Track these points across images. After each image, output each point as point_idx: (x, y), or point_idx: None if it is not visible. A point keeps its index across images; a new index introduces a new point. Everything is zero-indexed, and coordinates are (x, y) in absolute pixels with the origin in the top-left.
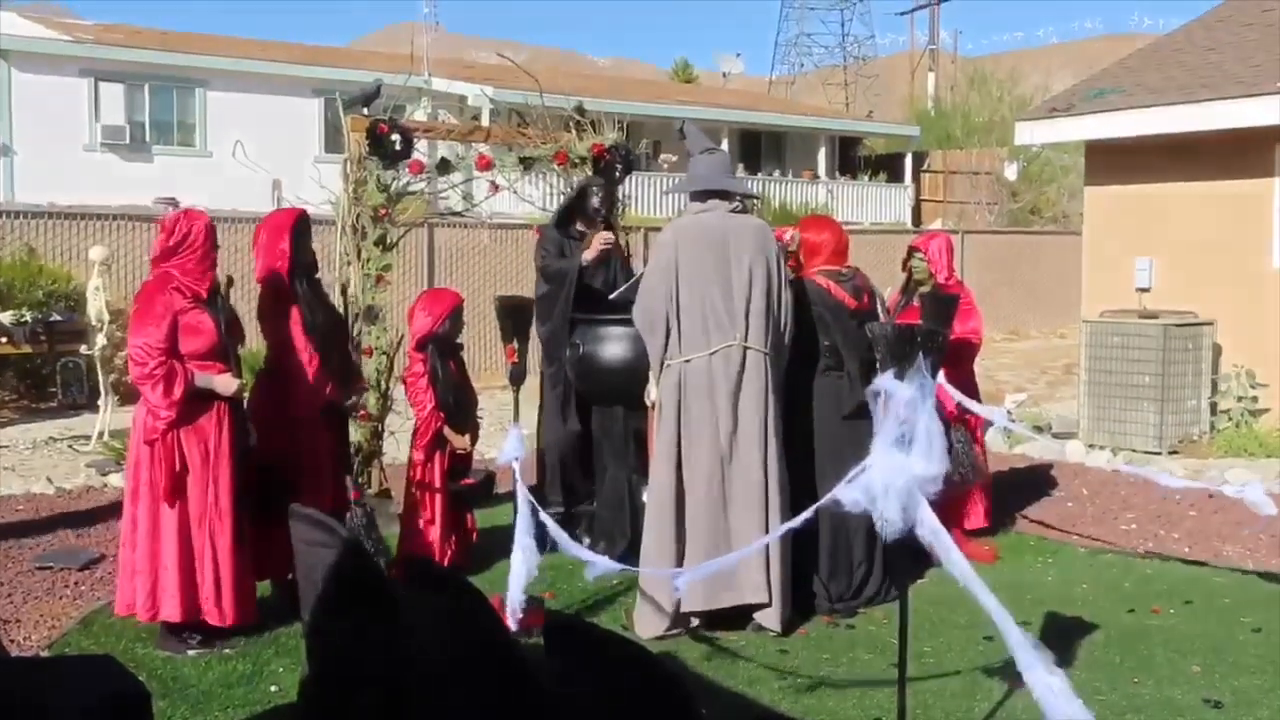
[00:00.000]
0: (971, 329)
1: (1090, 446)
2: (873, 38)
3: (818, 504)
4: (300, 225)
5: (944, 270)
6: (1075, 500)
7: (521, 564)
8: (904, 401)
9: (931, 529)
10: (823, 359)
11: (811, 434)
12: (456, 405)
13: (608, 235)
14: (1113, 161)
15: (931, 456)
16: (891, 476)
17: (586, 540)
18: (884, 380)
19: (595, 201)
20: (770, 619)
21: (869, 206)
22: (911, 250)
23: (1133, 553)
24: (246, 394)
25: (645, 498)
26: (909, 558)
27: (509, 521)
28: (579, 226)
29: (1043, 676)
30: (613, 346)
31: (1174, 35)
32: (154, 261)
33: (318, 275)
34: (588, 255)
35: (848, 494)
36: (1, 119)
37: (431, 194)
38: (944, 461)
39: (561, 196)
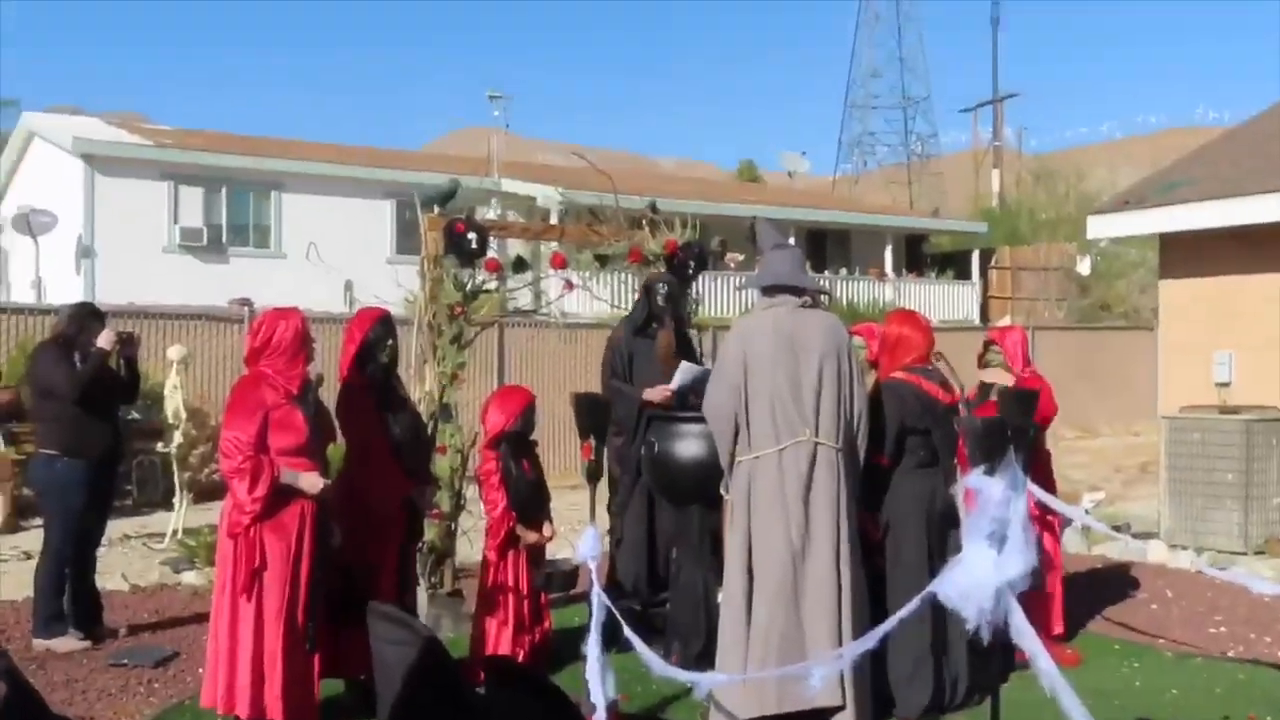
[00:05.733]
0: (1041, 416)
1: (1173, 546)
2: (935, 135)
3: (910, 605)
4: (379, 324)
5: (1019, 362)
6: (1160, 602)
7: (598, 669)
8: (996, 498)
9: (1019, 630)
10: (914, 455)
11: (902, 533)
12: (530, 503)
13: (666, 393)
14: (1187, 254)
15: (1023, 555)
16: (981, 575)
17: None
18: (974, 476)
19: (660, 299)
20: None
21: (936, 303)
22: (987, 344)
23: (1223, 657)
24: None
25: (720, 598)
26: (999, 659)
27: (581, 622)
28: (654, 326)
29: None
30: (688, 444)
31: (1244, 127)
32: (246, 361)
33: (397, 373)
34: (650, 395)
35: (940, 590)
36: (85, 222)
37: (506, 291)
38: (1032, 559)
39: (634, 294)
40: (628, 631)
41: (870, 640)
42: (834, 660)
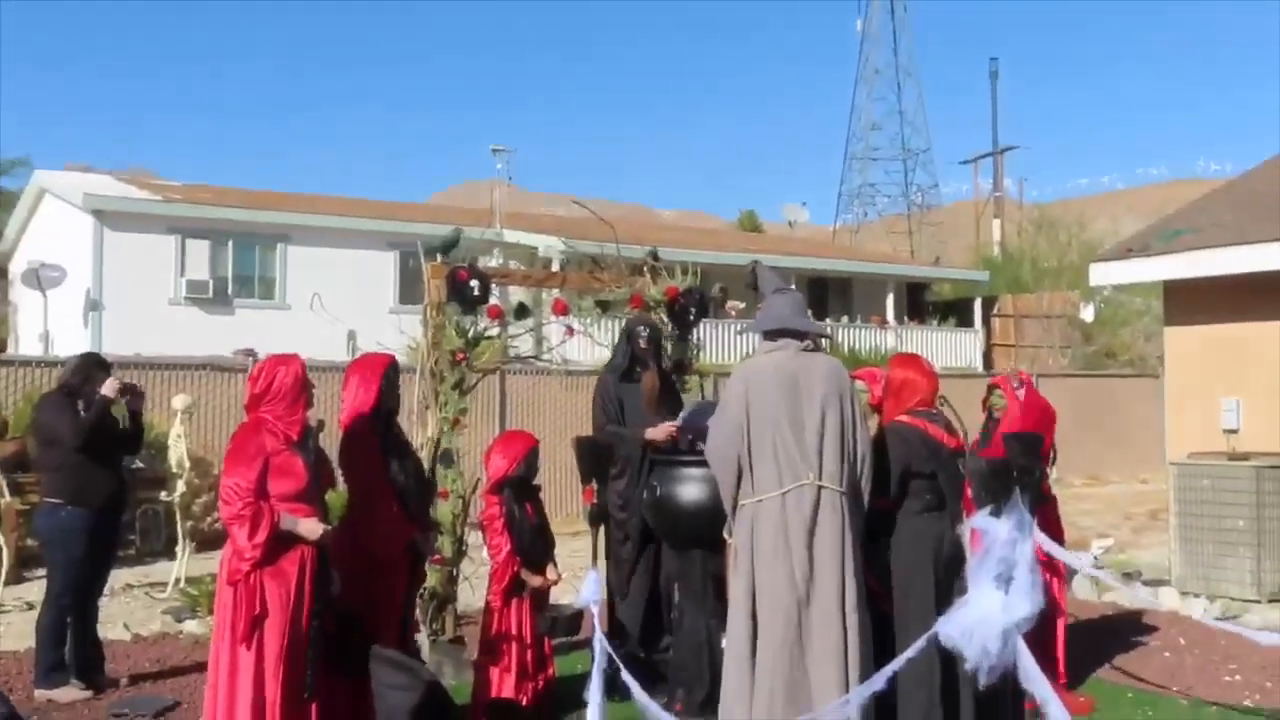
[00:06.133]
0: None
1: (1184, 594)
2: (936, 186)
3: (917, 644)
4: (391, 370)
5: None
6: (1172, 650)
7: (599, 717)
8: (1002, 539)
9: (1028, 674)
10: (919, 498)
11: (910, 579)
12: (534, 547)
13: (671, 429)
14: (1192, 301)
15: (1031, 596)
16: (986, 614)
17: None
18: (979, 518)
19: (642, 342)
20: None
21: (938, 351)
22: (991, 388)
23: (1239, 706)
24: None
25: (724, 644)
26: (1009, 707)
27: (584, 669)
28: (638, 370)
29: None
30: (690, 488)
31: (1246, 177)
32: (246, 408)
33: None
34: (654, 434)
35: (945, 630)
36: (93, 275)
37: (507, 338)
38: (1039, 600)
39: None
40: (626, 677)
41: (877, 682)
42: (841, 706)
